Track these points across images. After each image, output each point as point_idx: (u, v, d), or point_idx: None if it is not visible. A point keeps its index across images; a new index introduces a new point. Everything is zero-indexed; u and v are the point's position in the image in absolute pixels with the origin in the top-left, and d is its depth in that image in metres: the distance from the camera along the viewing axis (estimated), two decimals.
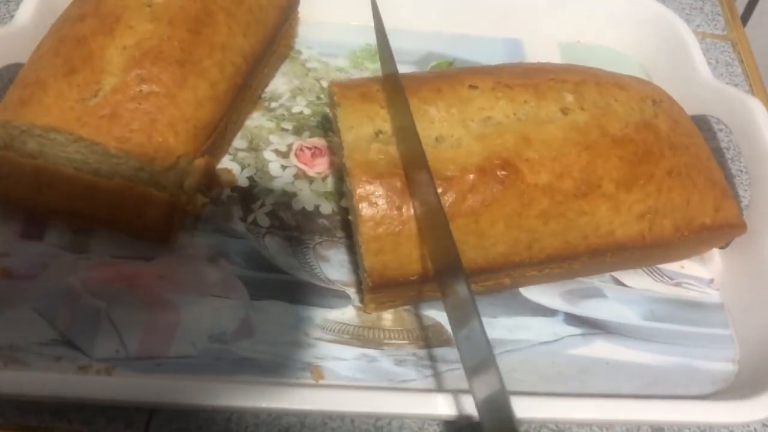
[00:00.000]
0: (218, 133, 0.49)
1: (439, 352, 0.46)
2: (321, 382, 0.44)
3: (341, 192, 0.52)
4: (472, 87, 0.46)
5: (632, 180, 0.45)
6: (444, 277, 0.39)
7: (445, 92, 0.45)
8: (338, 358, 0.45)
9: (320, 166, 0.54)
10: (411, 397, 0.42)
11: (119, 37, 0.47)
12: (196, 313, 0.46)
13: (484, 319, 0.47)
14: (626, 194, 0.45)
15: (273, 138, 0.55)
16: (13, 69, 0.52)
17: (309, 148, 0.55)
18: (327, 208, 0.52)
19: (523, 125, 0.44)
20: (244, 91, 0.52)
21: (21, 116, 0.45)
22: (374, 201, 0.42)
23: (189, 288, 0.47)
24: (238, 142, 0.55)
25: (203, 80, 0.48)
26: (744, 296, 0.50)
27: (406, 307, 0.48)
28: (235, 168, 0.53)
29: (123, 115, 0.45)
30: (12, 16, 0.54)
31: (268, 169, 0.53)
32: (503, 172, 0.43)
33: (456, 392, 0.41)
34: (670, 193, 0.46)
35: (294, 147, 0.55)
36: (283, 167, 0.54)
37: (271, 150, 0.55)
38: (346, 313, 0.47)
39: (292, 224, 0.51)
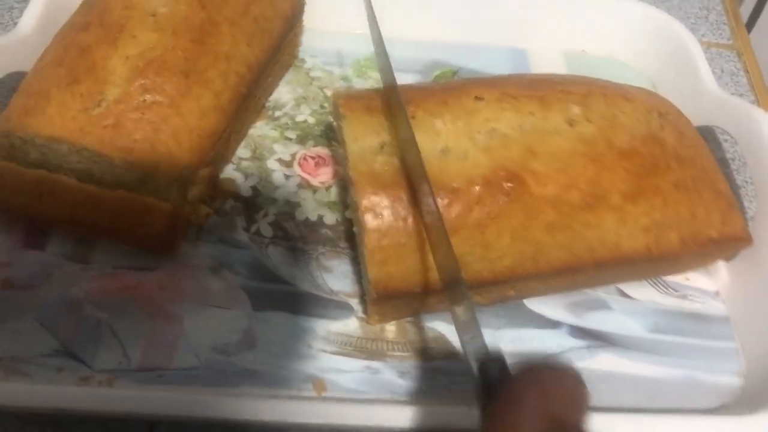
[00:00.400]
0: (222, 142, 0.49)
1: (442, 364, 0.46)
2: (323, 394, 0.44)
3: (345, 202, 0.52)
4: (478, 98, 0.46)
5: (638, 192, 0.44)
6: (449, 289, 0.39)
7: (450, 104, 0.45)
8: (341, 370, 0.45)
9: (324, 176, 0.54)
10: (414, 411, 0.41)
11: (123, 47, 0.47)
12: (199, 324, 0.46)
13: (489, 331, 0.47)
14: (632, 206, 0.44)
15: (277, 147, 0.55)
16: (16, 77, 0.52)
17: (313, 158, 0.55)
18: (331, 218, 0.52)
19: (529, 137, 0.44)
20: (248, 101, 0.52)
21: (24, 126, 0.45)
22: (379, 212, 0.42)
23: (192, 299, 0.47)
24: (242, 151, 0.54)
25: (207, 90, 0.48)
26: (750, 309, 0.49)
27: (409, 319, 0.48)
28: (238, 177, 0.53)
29: (126, 126, 0.45)
30: (15, 24, 0.54)
31: (272, 178, 0.53)
32: (509, 184, 0.43)
33: (460, 406, 0.41)
34: (677, 206, 0.46)
35: (298, 156, 0.55)
36: (287, 176, 0.53)
37: (274, 159, 0.54)
38: (349, 325, 0.47)
39: (296, 234, 0.50)
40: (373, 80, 0.61)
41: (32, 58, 0.50)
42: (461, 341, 0.36)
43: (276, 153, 0.55)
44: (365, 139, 0.44)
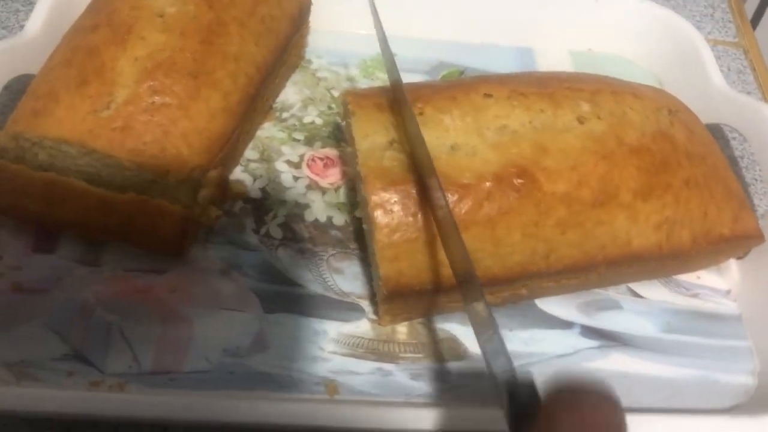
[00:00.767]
0: (231, 144, 0.49)
1: (454, 366, 0.46)
2: (335, 397, 0.43)
3: (354, 203, 0.52)
4: (487, 95, 0.45)
5: (649, 190, 0.44)
6: (464, 286, 0.39)
7: (459, 101, 0.45)
8: (353, 372, 0.45)
9: (333, 177, 0.54)
10: (427, 413, 0.41)
11: (131, 48, 0.47)
12: (210, 326, 0.45)
13: (502, 332, 0.47)
14: (643, 204, 0.44)
15: (285, 149, 0.55)
16: (23, 80, 0.52)
17: (321, 159, 0.55)
18: (340, 219, 0.51)
19: (539, 134, 0.44)
20: (256, 102, 0.52)
21: (33, 128, 0.45)
22: (389, 208, 0.42)
23: (202, 301, 0.46)
24: (250, 152, 0.54)
25: (216, 91, 0.48)
26: (762, 307, 0.49)
27: (420, 320, 0.47)
28: (247, 179, 0.53)
29: (136, 128, 0.45)
30: (21, 27, 0.54)
31: (281, 180, 0.53)
32: (520, 181, 0.42)
33: (474, 407, 0.41)
34: (688, 204, 0.45)
35: (306, 157, 0.55)
36: (296, 178, 0.53)
37: (283, 161, 0.54)
38: (361, 327, 0.47)
39: (305, 236, 0.50)
40: (380, 81, 0.61)
41: (39, 60, 0.50)
42: (480, 344, 0.36)
43: (284, 154, 0.55)
44: (374, 136, 0.44)
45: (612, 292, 0.50)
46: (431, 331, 0.47)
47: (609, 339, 0.48)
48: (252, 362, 0.44)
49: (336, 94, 0.59)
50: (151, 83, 0.46)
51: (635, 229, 0.44)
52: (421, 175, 0.42)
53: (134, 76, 0.46)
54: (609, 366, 0.47)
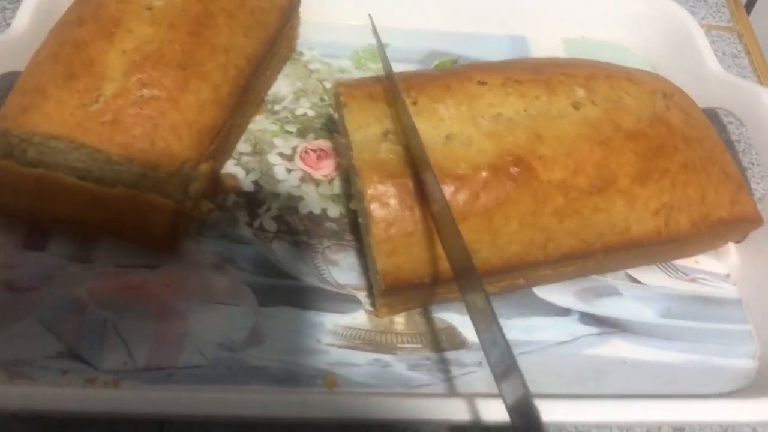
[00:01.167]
0: (222, 137, 0.48)
1: (453, 355, 0.45)
2: (334, 389, 0.43)
3: (348, 194, 0.51)
4: (481, 83, 0.45)
5: (647, 175, 0.44)
6: (461, 279, 0.38)
7: (453, 89, 0.44)
8: (351, 364, 0.44)
9: (326, 169, 0.53)
10: (426, 403, 0.40)
11: (119, 42, 0.46)
12: (204, 321, 0.45)
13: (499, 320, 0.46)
14: (641, 189, 0.44)
15: (277, 141, 0.54)
16: (10, 78, 0.51)
17: (314, 151, 0.54)
18: (334, 211, 0.51)
19: (534, 121, 0.43)
20: (247, 94, 0.51)
21: (21, 124, 0.44)
22: (386, 201, 0.41)
23: (196, 296, 0.46)
24: (242, 146, 0.54)
25: (205, 83, 0.47)
26: (762, 291, 0.49)
27: (418, 310, 0.47)
28: (239, 173, 0.52)
29: (125, 121, 0.44)
30: (8, 24, 0.54)
31: (273, 172, 0.52)
32: (516, 170, 0.42)
33: (473, 396, 0.40)
34: (686, 188, 0.45)
35: (299, 150, 0.54)
36: (289, 170, 0.53)
37: (275, 153, 0.54)
38: (357, 318, 0.46)
39: (300, 228, 0.50)
40: (372, 71, 0.61)
41: (27, 57, 0.49)
42: (479, 335, 0.36)
43: (277, 147, 0.54)
44: (368, 128, 0.43)
45: (610, 279, 0.50)
46: (429, 321, 0.46)
47: (608, 325, 0.47)
48: (248, 356, 0.44)
49: (328, 85, 0.59)
50: (140, 76, 0.45)
51: (633, 215, 0.44)
52: (416, 167, 0.42)
53: (122, 69, 0.45)
54: (608, 352, 0.46)
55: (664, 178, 0.44)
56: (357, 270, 0.48)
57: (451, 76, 0.46)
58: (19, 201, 0.45)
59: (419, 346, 0.45)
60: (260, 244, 0.49)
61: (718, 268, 0.51)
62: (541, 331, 0.47)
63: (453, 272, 0.40)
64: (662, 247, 0.46)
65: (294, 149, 0.54)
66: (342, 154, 0.53)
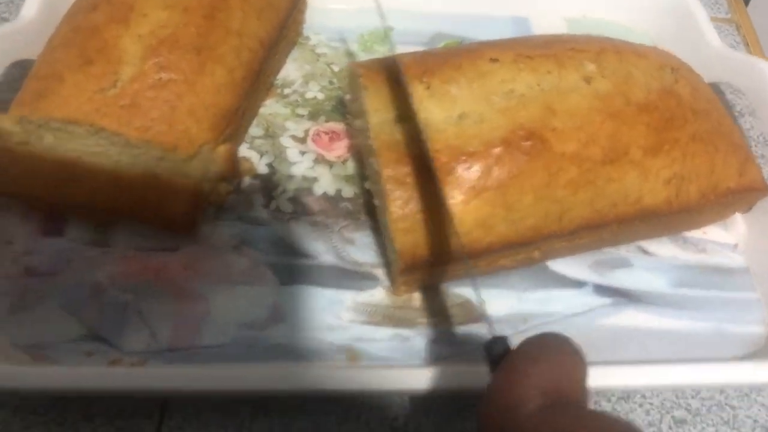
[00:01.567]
0: (237, 120, 0.49)
1: (470, 329, 0.46)
2: (356, 363, 0.44)
3: (362, 175, 0.52)
4: (493, 60, 0.45)
5: (658, 146, 0.45)
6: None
7: (465, 68, 0.45)
8: (372, 339, 0.45)
9: (339, 150, 0.54)
10: (445, 372, 0.41)
11: (134, 26, 0.46)
12: (225, 302, 0.45)
13: (515, 293, 0.47)
14: (653, 160, 0.45)
15: (289, 124, 0.55)
16: (22, 65, 0.51)
17: (326, 133, 0.55)
18: (349, 191, 0.52)
19: (546, 95, 0.44)
20: (259, 78, 0.52)
21: (38, 110, 0.44)
22: (402, 180, 0.42)
23: (216, 277, 0.46)
24: (254, 129, 0.54)
25: (221, 66, 0.47)
26: None
27: (434, 286, 0.48)
28: (253, 156, 0.53)
29: (143, 105, 0.45)
30: (17, 12, 0.54)
31: (287, 155, 0.53)
32: (528, 143, 0.42)
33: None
34: (695, 159, 0.46)
35: (311, 132, 0.55)
36: (302, 153, 0.53)
37: (288, 136, 0.54)
38: (376, 295, 0.47)
39: (316, 209, 0.50)
40: (379, 54, 0.61)
41: (37, 45, 0.50)
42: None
43: (289, 130, 0.55)
44: (386, 111, 0.44)
45: (623, 251, 0.50)
46: (446, 296, 0.47)
47: (621, 296, 0.48)
48: (270, 334, 0.44)
49: (336, 69, 0.59)
50: (156, 60, 0.45)
51: (646, 185, 0.45)
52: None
53: (139, 53, 0.46)
54: (622, 322, 0.47)
55: (674, 149, 0.45)
56: (373, 248, 0.49)
57: (464, 54, 0.46)
58: (38, 187, 0.45)
59: (437, 320, 0.46)
60: (277, 225, 0.49)
61: (726, 238, 0.52)
62: (556, 302, 0.47)
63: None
64: (672, 217, 0.47)
65: (306, 132, 0.55)
66: (355, 135, 0.54)
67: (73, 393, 0.41)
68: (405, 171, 0.42)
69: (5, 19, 0.63)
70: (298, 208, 0.50)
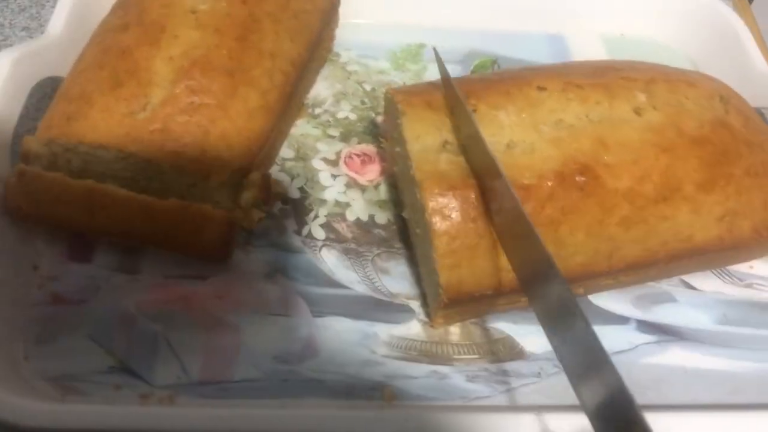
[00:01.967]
0: (270, 143, 0.47)
1: (512, 366, 0.44)
2: (393, 403, 0.42)
3: (395, 200, 0.50)
4: (541, 88, 0.44)
5: (712, 181, 0.43)
6: (534, 283, 0.37)
7: (513, 95, 0.43)
8: (408, 376, 0.43)
9: (371, 174, 0.52)
10: (487, 416, 0.40)
11: (165, 47, 0.45)
12: (258, 333, 0.44)
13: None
14: (706, 196, 0.43)
15: (320, 146, 0.53)
16: (48, 84, 0.50)
17: (358, 155, 0.53)
18: (382, 217, 0.50)
19: (597, 127, 0.42)
20: (292, 100, 0.50)
21: (68, 134, 0.43)
22: (448, 214, 0.40)
23: (248, 307, 0.45)
24: (285, 151, 0.53)
25: (253, 89, 0.46)
26: None
27: (473, 321, 0.46)
28: (284, 179, 0.51)
29: (174, 129, 0.43)
30: (41, 26, 0.52)
31: (318, 178, 0.51)
32: (582, 178, 0.41)
33: (537, 408, 0.40)
34: (749, 194, 0.44)
35: (342, 154, 0.53)
36: (334, 176, 0.52)
37: (319, 158, 0.53)
38: (412, 329, 0.45)
39: (348, 236, 0.49)
40: (411, 72, 0.60)
41: (64, 62, 0.49)
42: (552, 338, 0.35)
43: (320, 152, 0.53)
44: (427, 137, 0.42)
45: (665, 285, 0.49)
46: (485, 331, 0.46)
47: (666, 333, 0.46)
48: (304, 368, 0.43)
49: (368, 87, 0.58)
50: (189, 83, 0.44)
51: (698, 222, 0.43)
52: (480, 177, 0.41)
53: (170, 75, 0.44)
54: (667, 361, 0.45)
55: (729, 184, 0.43)
56: (408, 279, 0.47)
57: (510, 81, 0.45)
58: (67, 213, 0.43)
59: (476, 356, 0.45)
60: (310, 253, 0.48)
61: None
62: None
63: (521, 278, 0.39)
64: (722, 253, 0.45)
65: (338, 154, 0.53)
66: (388, 159, 0.52)
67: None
68: (451, 204, 0.41)
69: (30, 35, 0.61)
70: (331, 234, 0.49)
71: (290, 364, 0.43)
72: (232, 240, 0.44)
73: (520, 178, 0.40)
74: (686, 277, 0.49)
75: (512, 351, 0.45)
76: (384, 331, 0.45)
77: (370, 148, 0.54)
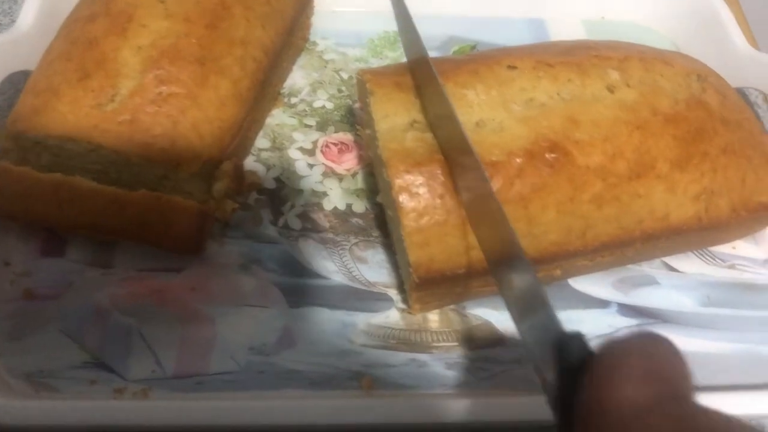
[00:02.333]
0: (242, 133, 0.47)
1: (490, 352, 0.44)
2: (371, 392, 0.41)
3: (373, 189, 0.50)
4: (511, 67, 0.43)
5: (687, 159, 0.42)
6: (501, 267, 0.36)
7: (482, 74, 0.43)
8: (387, 365, 0.43)
9: (348, 163, 0.52)
10: (467, 403, 0.39)
11: (133, 37, 0.44)
12: (234, 325, 0.43)
13: None
14: (681, 174, 0.42)
15: (297, 135, 0.53)
16: (18, 78, 0.49)
17: (335, 144, 0.52)
18: (360, 206, 0.49)
19: (568, 105, 0.42)
20: (265, 88, 0.49)
21: (35, 127, 0.42)
22: (415, 191, 0.40)
23: (223, 299, 0.44)
24: (261, 141, 0.52)
25: (224, 78, 0.45)
26: None
27: (452, 307, 0.45)
28: (259, 169, 0.50)
29: (143, 120, 0.42)
30: (13, 22, 0.52)
31: (295, 168, 0.51)
32: (552, 155, 0.40)
33: (515, 395, 0.39)
34: (726, 172, 0.43)
35: (319, 144, 0.52)
36: (310, 165, 0.51)
37: (295, 148, 0.52)
38: (390, 317, 0.45)
39: (325, 225, 0.48)
40: (389, 59, 0.59)
41: (34, 56, 0.48)
42: (519, 324, 0.34)
43: (297, 141, 0.52)
44: (395, 117, 0.42)
45: (647, 267, 0.48)
46: (464, 318, 0.45)
47: (648, 316, 0.46)
48: (281, 359, 0.42)
49: (345, 76, 0.57)
50: (157, 72, 0.43)
51: (674, 201, 0.42)
52: (448, 155, 0.40)
53: (138, 66, 0.43)
54: None
55: (704, 162, 0.43)
56: (386, 267, 0.47)
57: (480, 61, 0.44)
58: (36, 207, 0.43)
59: (455, 344, 0.44)
60: (286, 243, 0.47)
61: (756, 253, 0.50)
62: (579, 324, 0.45)
63: (488, 260, 0.38)
64: (701, 233, 0.45)
65: (314, 143, 0.52)
66: (365, 146, 0.51)
67: (76, 429, 0.39)
68: (418, 181, 0.40)
69: (1, 31, 0.61)
70: (308, 224, 0.48)
71: (267, 355, 0.42)
72: (204, 231, 0.43)
73: (489, 156, 0.40)
74: (668, 260, 0.49)
75: (492, 337, 0.44)
76: (362, 320, 0.44)
77: (347, 137, 0.53)
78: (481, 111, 0.42)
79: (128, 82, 0.43)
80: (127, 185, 0.43)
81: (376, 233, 0.48)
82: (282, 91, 0.55)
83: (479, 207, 0.38)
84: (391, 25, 0.50)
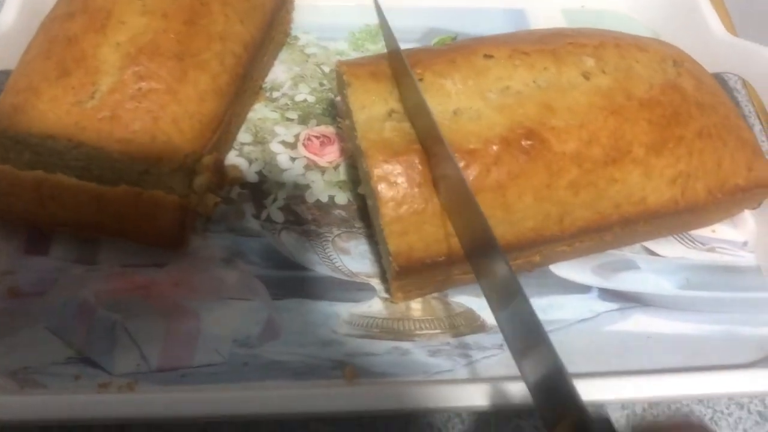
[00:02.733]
0: (223, 127, 0.47)
1: (473, 339, 0.44)
2: (354, 380, 0.42)
3: (355, 180, 0.50)
4: (487, 56, 0.43)
5: (662, 143, 0.43)
6: (477, 257, 0.37)
7: (459, 64, 0.43)
8: (369, 354, 0.43)
9: (331, 155, 0.52)
10: (449, 389, 0.39)
11: (112, 34, 0.44)
12: (217, 318, 0.44)
13: None
14: (657, 159, 0.43)
15: (278, 129, 0.53)
16: (0, 77, 0.50)
17: (317, 137, 0.53)
18: (342, 198, 0.50)
19: (544, 93, 0.42)
20: (245, 82, 0.50)
21: (15, 125, 0.43)
22: (393, 180, 0.40)
23: (207, 293, 0.45)
24: (243, 135, 0.52)
25: (204, 73, 0.45)
26: None
27: (434, 295, 0.46)
28: (242, 163, 0.51)
29: (123, 116, 0.43)
30: None
31: (277, 162, 0.51)
32: (528, 142, 0.41)
33: (497, 380, 0.40)
34: (701, 156, 0.44)
35: (301, 137, 0.53)
36: (293, 159, 0.51)
37: (277, 142, 0.52)
38: (373, 306, 0.45)
39: (308, 218, 0.49)
40: (370, 52, 0.59)
41: (15, 55, 0.48)
42: (499, 318, 0.35)
43: (278, 135, 0.53)
44: (372, 107, 0.42)
45: (627, 252, 0.49)
46: (446, 306, 0.46)
47: (628, 300, 0.46)
48: (265, 351, 0.43)
49: (327, 69, 0.57)
50: (136, 68, 0.44)
51: (650, 185, 0.43)
52: (424, 144, 0.41)
53: (117, 62, 0.44)
54: (630, 327, 0.45)
55: (679, 146, 0.43)
56: (369, 257, 0.47)
57: (457, 50, 0.44)
58: (18, 205, 0.43)
59: (438, 331, 0.44)
60: (269, 236, 0.47)
61: (735, 235, 0.50)
62: (560, 309, 0.46)
63: (465, 249, 0.39)
64: (679, 217, 0.45)
65: (296, 137, 0.53)
66: (346, 138, 0.52)
67: (63, 422, 0.39)
68: (396, 170, 0.40)
69: None
70: (290, 217, 0.49)
71: (250, 347, 0.43)
72: (186, 226, 0.44)
73: (466, 144, 0.40)
74: (648, 244, 0.49)
75: (473, 324, 0.45)
76: (345, 310, 0.45)
77: (329, 130, 0.53)
78: (459, 100, 0.42)
79: (107, 79, 0.43)
80: (108, 181, 0.43)
81: (358, 224, 0.49)
82: (264, 86, 0.56)
83: (453, 196, 0.38)
84: (372, 19, 0.50)
